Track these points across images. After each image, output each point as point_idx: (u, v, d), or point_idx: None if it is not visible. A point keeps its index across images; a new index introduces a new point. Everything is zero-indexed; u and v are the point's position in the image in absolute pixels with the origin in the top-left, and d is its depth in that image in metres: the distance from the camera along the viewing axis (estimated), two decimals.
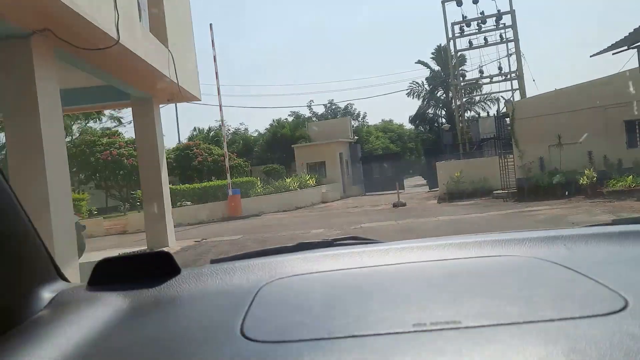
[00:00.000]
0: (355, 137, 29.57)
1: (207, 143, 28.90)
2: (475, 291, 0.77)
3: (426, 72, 44.01)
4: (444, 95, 43.37)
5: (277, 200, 19.96)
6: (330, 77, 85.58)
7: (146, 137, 9.23)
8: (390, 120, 51.66)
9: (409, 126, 49.36)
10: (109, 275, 0.95)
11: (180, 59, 8.64)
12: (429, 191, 23.47)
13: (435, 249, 1.03)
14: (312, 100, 48.07)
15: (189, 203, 19.60)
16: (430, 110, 44.55)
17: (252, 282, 0.90)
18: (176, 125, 55.35)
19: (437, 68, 42.96)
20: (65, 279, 0.96)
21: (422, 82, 43.94)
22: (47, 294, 0.86)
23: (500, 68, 23.20)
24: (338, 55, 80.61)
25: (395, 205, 16.22)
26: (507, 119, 18.09)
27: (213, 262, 1.16)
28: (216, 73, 18.72)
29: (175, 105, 40.86)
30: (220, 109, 18.81)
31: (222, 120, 19.03)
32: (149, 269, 0.96)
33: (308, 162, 25.56)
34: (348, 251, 1.07)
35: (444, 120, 41.81)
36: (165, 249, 7.37)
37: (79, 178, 21.92)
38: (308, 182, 22.61)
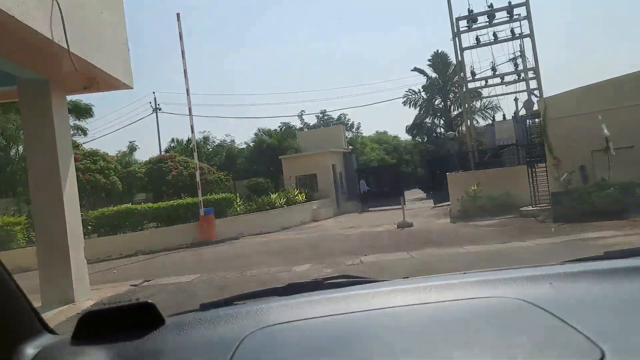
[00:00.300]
0: (350, 147, 26.67)
1: (184, 155, 25.89)
2: (453, 340, 0.76)
3: (422, 80, 41.91)
4: (442, 103, 41.27)
5: (260, 219, 16.96)
6: (322, 86, 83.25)
7: (39, 138, 6.01)
8: (385, 132, 49.22)
9: (404, 137, 47.15)
10: (94, 327, 0.93)
11: (85, 19, 5.68)
12: (434, 206, 20.58)
13: (422, 291, 1.02)
14: (303, 110, 45.43)
15: (153, 225, 16.53)
16: (428, 120, 42.46)
17: (235, 333, 0.90)
18: (157, 136, 50.79)
19: (434, 75, 40.81)
20: (52, 332, 0.97)
21: (419, 89, 41.82)
22: (30, 350, 0.87)
23: (516, 65, 20.44)
24: (332, 63, 78.08)
25: (400, 226, 13.22)
26: (529, 121, 15.30)
27: (202, 307, 1.17)
28: (184, 71, 15.83)
29: (157, 113, 37.64)
30: (190, 113, 15.86)
31: (192, 126, 15.97)
32: (134, 319, 0.94)
33: (297, 175, 22.65)
34: (335, 295, 1.09)
35: (442, 129, 39.51)
36: (69, 306, 3.90)
37: (27, 197, 18.72)
38: (297, 197, 19.67)
